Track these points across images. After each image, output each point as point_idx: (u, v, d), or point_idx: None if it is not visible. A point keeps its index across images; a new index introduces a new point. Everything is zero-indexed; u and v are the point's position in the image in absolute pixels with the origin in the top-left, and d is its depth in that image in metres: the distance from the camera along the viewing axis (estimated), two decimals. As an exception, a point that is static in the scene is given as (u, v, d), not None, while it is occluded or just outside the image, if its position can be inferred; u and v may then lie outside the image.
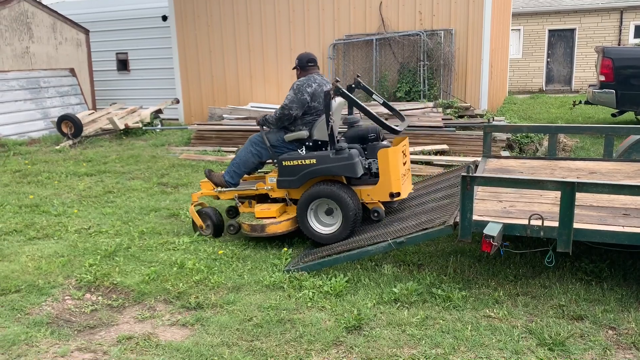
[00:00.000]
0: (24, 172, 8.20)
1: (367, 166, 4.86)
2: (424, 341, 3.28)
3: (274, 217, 4.84)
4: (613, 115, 11.26)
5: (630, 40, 20.77)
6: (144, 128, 11.67)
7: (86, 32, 13.66)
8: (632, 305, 3.60)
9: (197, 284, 4.14)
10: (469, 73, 11.16)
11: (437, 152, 8.31)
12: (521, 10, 21.14)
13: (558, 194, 3.57)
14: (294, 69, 5.22)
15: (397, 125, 4.83)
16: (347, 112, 5.57)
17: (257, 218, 4.89)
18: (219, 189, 5.28)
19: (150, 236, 5.25)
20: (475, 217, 3.78)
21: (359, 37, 11.69)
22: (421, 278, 4.09)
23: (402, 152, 4.90)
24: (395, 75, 11.56)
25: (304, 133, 4.91)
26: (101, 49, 14.68)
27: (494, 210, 4.07)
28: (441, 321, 3.50)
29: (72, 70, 13.06)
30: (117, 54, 14.84)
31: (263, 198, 5.17)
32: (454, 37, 11.06)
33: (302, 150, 4.91)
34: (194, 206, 5.31)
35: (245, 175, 5.39)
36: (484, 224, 3.71)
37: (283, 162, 4.81)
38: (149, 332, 3.50)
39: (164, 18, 13.83)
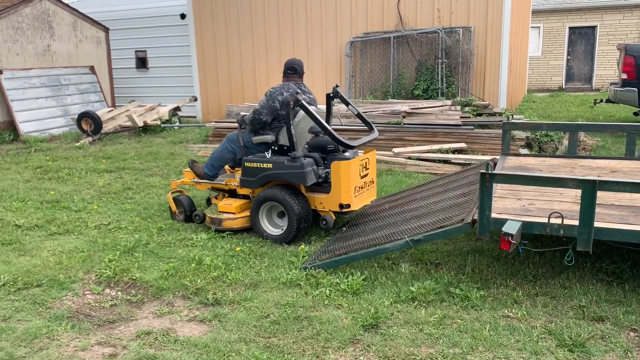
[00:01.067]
0: (45, 169, 8.33)
1: (324, 175, 4.98)
2: (441, 340, 3.27)
3: (233, 213, 5.15)
4: (635, 114, 11.07)
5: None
6: (162, 125, 11.78)
7: (106, 30, 13.82)
8: (654, 307, 3.54)
9: (214, 280, 4.16)
10: (488, 71, 11.06)
11: (455, 151, 8.25)
12: (541, 7, 20.87)
13: (578, 192, 3.52)
14: None
15: (354, 141, 4.96)
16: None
17: (219, 212, 5.23)
18: (196, 179, 5.62)
19: (168, 232, 5.30)
20: (493, 215, 3.74)
21: (376, 35, 11.65)
22: (439, 277, 4.07)
23: (363, 165, 5.03)
24: (412, 73, 11.50)
25: (269, 137, 5.13)
26: (120, 47, 14.84)
27: (512, 208, 4.03)
28: (459, 321, 3.47)
29: (92, 68, 13.22)
30: (136, 51, 14.99)
31: (237, 193, 5.41)
32: (473, 34, 10.97)
33: (268, 153, 5.11)
34: (171, 193, 5.71)
35: (229, 168, 5.75)
36: (502, 221, 3.67)
37: (245, 163, 5.06)
38: (168, 328, 3.54)
39: (183, 16, 13.92)
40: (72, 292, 4.07)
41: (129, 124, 11.42)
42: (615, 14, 20.49)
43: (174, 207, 5.63)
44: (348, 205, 4.84)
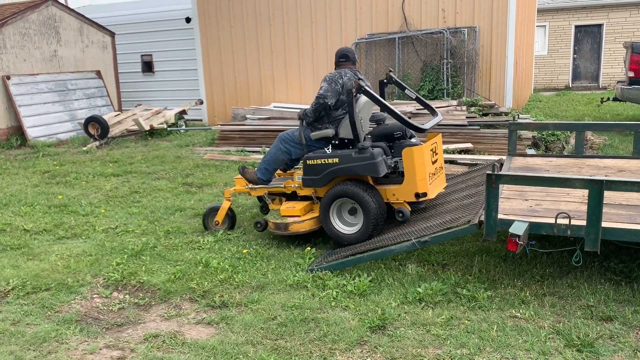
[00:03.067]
0: (53, 173, 8.38)
1: (393, 165, 4.75)
2: (449, 341, 3.26)
3: (298, 216, 4.83)
4: (642, 111, 11.00)
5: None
6: (168, 129, 11.83)
7: (112, 34, 13.89)
8: (663, 306, 3.52)
9: (221, 282, 4.17)
10: (494, 70, 11.03)
11: (461, 151, 8.23)
12: (546, 6, 20.79)
13: (586, 192, 3.50)
14: None
15: (422, 124, 4.70)
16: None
17: (282, 216, 4.90)
18: (251, 185, 5.28)
19: (175, 235, 5.32)
20: (500, 216, 3.73)
21: (381, 36, 11.65)
22: (446, 278, 4.06)
23: (433, 150, 4.77)
24: (418, 73, 11.49)
25: (329, 131, 4.85)
26: (126, 51, 14.92)
27: (519, 208, 4.02)
28: (466, 321, 3.46)
29: (98, 73, 13.30)
30: (142, 56, 15.05)
31: (295, 195, 5.12)
32: (478, 34, 10.94)
33: (328, 149, 4.83)
34: (225, 202, 5.36)
35: (280, 172, 5.45)
36: (509, 222, 3.66)
37: (307, 161, 4.77)
38: (175, 331, 3.55)
39: (188, 20, 13.98)
40: (80, 295, 4.10)
41: (135, 127, 11.47)
42: (622, 11, 20.36)
43: (221, 217, 5.36)
44: (425, 194, 4.53)
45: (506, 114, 9.42)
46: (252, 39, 12.90)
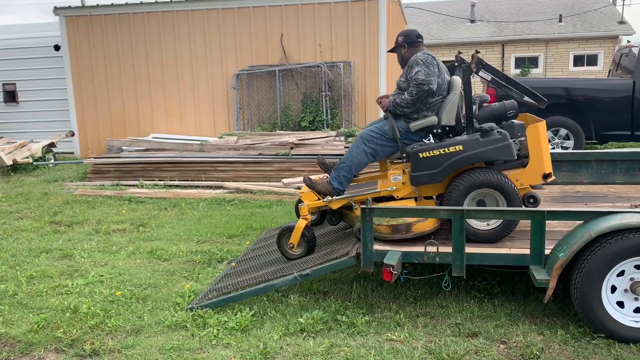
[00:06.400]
0: None
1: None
2: (329, 370, 3.30)
3: None
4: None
5: (512, 70, 22.72)
6: (34, 163, 10.96)
7: (-33, 61, 12.69)
8: (520, 319, 3.85)
9: (92, 329, 3.89)
10: (368, 103, 11.62)
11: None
12: (415, 42, 22.47)
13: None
14: (392, 50, 4.77)
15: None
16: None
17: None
18: (329, 198, 4.60)
19: (40, 280, 4.88)
20: (376, 247, 3.90)
21: (262, 68, 11.82)
22: (327, 306, 4.13)
23: None
24: (299, 105, 11.78)
25: (433, 119, 4.37)
26: (-15, 79, 13.69)
27: (392, 238, 4.21)
28: (346, 348, 3.54)
29: (-50, 103, 12.03)
30: (3, 84, 13.90)
31: (379, 200, 4.56)
32: (353, 68, 11.51)
33: (428, 140, 4.36)
34: (302, 219, 4.58)
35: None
36: (384, 253, 3.84)
37: (419, 154, 4.20)
38: (37, 387, 3.24)
39: (57, 47, 13.18)
40: None
41: (-5, 162, 10.48)
42: (479, 48, 22.55)
43: (296, 240, 4.55)
44: (550, 174, 4.17)
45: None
46: (129, 68, 12.47)
